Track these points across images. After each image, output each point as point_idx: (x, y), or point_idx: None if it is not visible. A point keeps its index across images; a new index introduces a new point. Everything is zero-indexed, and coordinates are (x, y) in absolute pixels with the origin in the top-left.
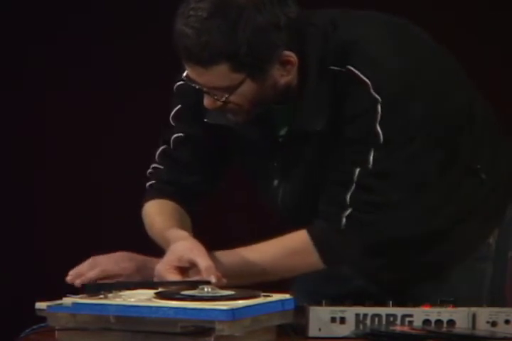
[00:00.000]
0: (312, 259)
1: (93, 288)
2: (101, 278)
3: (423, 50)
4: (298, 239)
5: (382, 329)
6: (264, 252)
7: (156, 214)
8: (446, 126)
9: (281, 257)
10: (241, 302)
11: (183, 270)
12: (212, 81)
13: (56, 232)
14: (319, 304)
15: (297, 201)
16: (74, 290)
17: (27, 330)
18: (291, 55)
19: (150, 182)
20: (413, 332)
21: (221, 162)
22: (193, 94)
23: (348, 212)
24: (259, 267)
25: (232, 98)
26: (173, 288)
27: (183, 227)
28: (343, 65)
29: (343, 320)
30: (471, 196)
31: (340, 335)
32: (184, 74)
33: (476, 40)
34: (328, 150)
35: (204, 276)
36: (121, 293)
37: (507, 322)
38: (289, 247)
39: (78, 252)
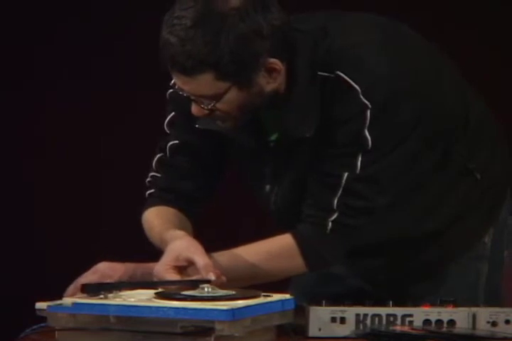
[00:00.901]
0: (296, 263)
1: (93, 288)
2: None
3: (413, 51)
4: (282, 243)
5: (383, 329)
6: (248, 255)
7: (155, 218)
8: (438, 127)
9: (266, 261)
10: (241, 302)
11: (181, 269)
12: (197, 89)
13: (56, 232)
14: (319, 304)
15: (289, 205)
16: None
17: (27, 330)
18: (276, 63)
19: (149, 191)
20: (413, 332)
21: (218, 167)
22: (185, 101)
23: (335, 216)
24: (244, 270)
25: (219, 106)
26: (173, 287)
27: (182, 229)
28: (332, 70)
29: (343, 320)
30: (466, 196)
31: (341, 335)
32: (173, 81)
33: (476, 40)
34: (319, 155)
35: (202, 274)
36: (122, 293)
37: (507, 322)
38: (273, 251)
39: (78, 252)
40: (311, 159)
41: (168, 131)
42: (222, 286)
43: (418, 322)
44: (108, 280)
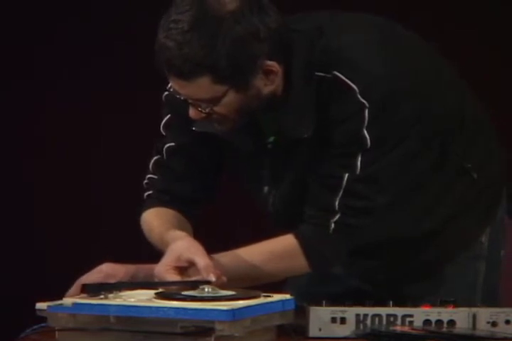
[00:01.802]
0: (299, 263)
1: (93, 288)
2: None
3: (411, 52)
4: (285, 243)
5: (383, 329)
6: (250, 256)
7: (154, 219)
8: (436, 126)
9: (268, 261)
10: (241, 303)
11: (182, 269)
12: (194, 93)
13: (56, 232)
14: (319, 304)
15: (288, 206)
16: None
17: (27, 330)
18: (273, 65)
19: (147, 193)
20: (413, 332)
21: (215, 169)
22: (181, 104)
23: (337, 217)
24: (246, 271)
25: (217, 109)
26: (174, 288)
27: (181, 230)
28: (329, 70)
29: (343, 320)
30: (463, 195)
31: (341, 335)
32: (170, 84)
33: (476, 40)
34: (317, 156)
35: (203, 275)
36: (122, 294)
37: (507, 322)
38: (276, 251)
39: (78, 252)
40: (309, 160)
41: (164, 134)
42: (222, 287)
43: (418, 322)
44: (111, 281)
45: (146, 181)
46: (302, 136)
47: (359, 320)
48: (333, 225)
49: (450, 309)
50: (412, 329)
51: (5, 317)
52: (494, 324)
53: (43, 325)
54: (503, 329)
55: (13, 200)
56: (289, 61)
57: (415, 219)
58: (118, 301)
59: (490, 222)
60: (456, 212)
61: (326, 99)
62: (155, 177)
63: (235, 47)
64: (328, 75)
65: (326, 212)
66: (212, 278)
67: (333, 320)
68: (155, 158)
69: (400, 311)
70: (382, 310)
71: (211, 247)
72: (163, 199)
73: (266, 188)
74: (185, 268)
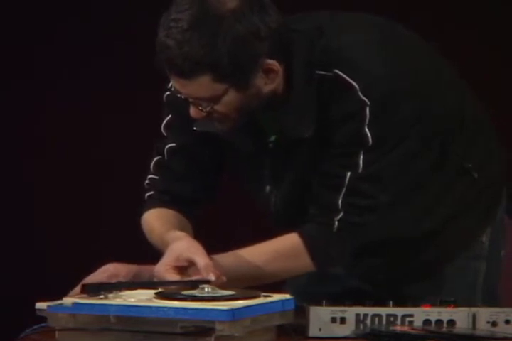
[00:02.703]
0: (303, 262)
1: (93, 288)
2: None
3: (411, 52)
4: (289, 242)
5: (383, 329)
6: (254, 256)
7: (155, 220)
8: (436, 126)
9: (273, 260)
10: (241, 303)
11: (182, 269)
12: (195, 92)
13: (56, 232)
14: (319, 304)
15: (289, 207)
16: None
17: (27, 330)
18: (273, 64)
19: (148, 193)
20: (413, 332)
21: (215, 169)
22: (182, 104)
23: (340, 215)
24: (249, 271)
25: (217, 108)
26: (173, 288)
27: (182, 230)
28: (330, 69)
29: (343, 320)
30: (463, 195)
31: (341, 335)
32: (170, 84)
33: (476, 40)
34: (318, 154)
35: (202, 274)
36: (122, 293)
37: (507, 322)
38: (280, 250)
39: (78, 252)
40: (310, 159)
41: (165, 134)
42: (222, 286)
43: (418, 322)
44: (115, 281)
45: (147, 182)
46: (303, 136)
47: (359, 319)
48: (336, 223)
49: (450, 309)
50: (412, 329)
51: (5, 317)
52: (494, 324)
53: (43, 325)
54: (503, 329)
55: (13, 200)
56: (290, 60)
57: (415, 219)
58: (118, 301)
59: (490, 222)
60: (456, 212)
61: (326, 99)
62: (156, 177)
63: (236, 46)
64: (329, 74)
65: (329, 211)
66: (212, 277)
67: (333, 319)
68: (156, 158)
69: (399, 311)
70: (382, 310)
71: (211, 247)
72: (164, 199)
73: (268, 188)
74: (185, 268)
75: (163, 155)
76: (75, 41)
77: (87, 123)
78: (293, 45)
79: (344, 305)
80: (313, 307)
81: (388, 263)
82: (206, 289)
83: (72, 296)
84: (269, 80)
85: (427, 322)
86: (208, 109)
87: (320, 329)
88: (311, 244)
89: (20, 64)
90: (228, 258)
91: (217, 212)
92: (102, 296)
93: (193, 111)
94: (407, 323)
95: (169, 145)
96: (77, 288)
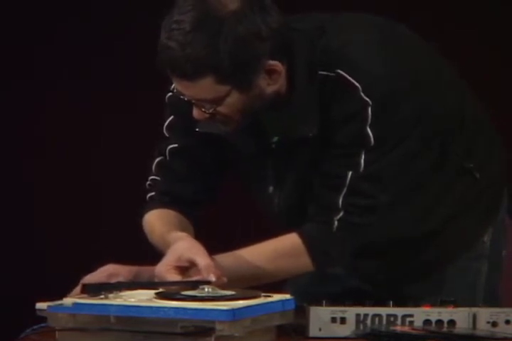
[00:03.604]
0: (303, 262)
1: (94, 288)
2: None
3: (411, 52)
4: (289, 242)
5: (383, 329)
6: (254, 256)
7: (156, 221)
8: (437, 126)
9: (272, 260)
10: (241, 303)
11: (183, 270)
12: (198, 93)
13: (56, 232)
14: (319, 304)
15: (292, 206)
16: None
17: (27, 330)
18: (276, 64)
19: (149, 194)
20: (414, 332)
21: (218, 170)
22: (185, 105)
23: (340, 215)
24: (249, 271)
25: (220, 109)
26: (174, 288)
27: (183, 231)
28: (332, 69)
29: (343, 320)
30: (464, 195)
31: (341, 335)
32: (173, 85)
33: (476, 40)
34: (320, 155)
35: (203, 275)
36: (122, 294)
37: (507, 322)
38: (280, 250)
39: (78, 252)
40: (312, 160)
41: (167, 135)
42: (222, 287)
43: (418, 322)
44: (113, 281)
45: (148, 182)
46: (307, 135)
47: (359, 320)
48: (336, 223)
49: (450, 309)
50: (412, 329)
51: (5, 317)
52: (494, 324)
53: (42, 325)
54: (503, 329)
55: (13, 200)
56: (291, 61)
57: (415, 219)
58: (118, 301)
59: (491, 222)
60: (456, 212)
61: (329, 98)
62: (157, 178)
63: (238, 47)
64: (332, 74)
65: (329, 210)
66: (213, 278)
67: (333, 319)
68: (158, 159)
69: (400, 311)
70: (382, 310)
71: (212, 248)
72: (165, 200)
73: (271, 188)
74: (186, 268)
75: (165, 156)
76: (75, 41)
77: (87, 123)
78: (294, 45)
79: (344, 305)
80: (314, 308)
81: (388, 263)
82: (206, 289)
83: (72, 296)
84: (272, 81)
85: (427, 322)
86: (211, 111)
87: (320, 330)
88: (310, 244)
89: (20, 64)
90: (228, 259)
91: (218, 212)
92: (102, 296)
93: (196, 112)
94: (407, 323)
95: (171, 146)
96: (78, 289)
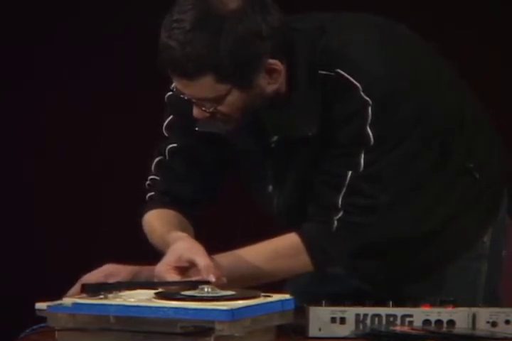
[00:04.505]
0: (303, 262)
1: (93, 288)
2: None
3: (411, 52)
4: (288, 242)
5: (383, 329)
6: (253, 256)
7: (156, 221)
8: (437, 126)
9: (272, 260)
10: (241, 303)
11: (182, 270)
12: (198, 92)
13: (56, 232)
14: (319, 304)
15: (292, 206)
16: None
17: (27, 330)
18: (276, 64)
19: (149, 194)
20: (413, 332)
21: (218, 170)
22: (184, 104)
23: (340, 215)
24: (248, 271)
25: (220, 108)
26: (173, 288)
27: (183, 231)
28: (332, 68)
29: (343, 320)
30: (464, 195)
31: (341, 335)
32: (173, 85)
33: (476, 40)
34: (320, 155)
35: (203, 275)
36: (122, 294)
37: (507, 322)
38: (280, 250)
39: (78, 252)
40: (312, 159)
41: (166, 135)
42: (223, 287)
43: (418, 322)
44: (112, 281)
45: (148, 182)
46: (307, 135)
47: (359, 320)
48: (336, 223)
49: (450, 309)
50: (412, 329)
51: (5, 317)
52: (494, 324)
53: (42, 325)
54: (502, 329)
55: (13, 200)
56: (292, 60)
57: (415, 219)
58: (118, 301)
59: (491, 222)
60: (456, 212)
61: (329, 98)
62: (157, 178)
63: (238, 46)
64: (331, 73)
65: (328, 210)
66: (212, 278)
67: (333, 320)
68: (157, 159)
69: (399, 311)
70: (382, 310)
71: (212, 248)
72: (165, 200)
73: (270, 188)
74: (185, 268)
75: (165, 156)
76: (75, 41)
77: (87, 123)
78: (294, 44)
79: (344, 305)
80: (313, 308)
81: (388, 263)
82: (206, 289)
83: (70, 295)
84: (272, 80)
85: (426, 322)
86: (211, 110)
87: (320, 330)
88: (310, 244)
89: (20, 64)
90: (227, 258)
91: (218, 212)
92: (101, 296)
93: (196, 111)
94: (406, 323)
95: (171, 146)
96: (76, 287)
